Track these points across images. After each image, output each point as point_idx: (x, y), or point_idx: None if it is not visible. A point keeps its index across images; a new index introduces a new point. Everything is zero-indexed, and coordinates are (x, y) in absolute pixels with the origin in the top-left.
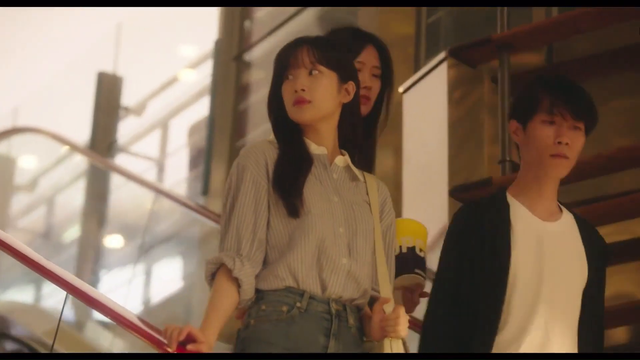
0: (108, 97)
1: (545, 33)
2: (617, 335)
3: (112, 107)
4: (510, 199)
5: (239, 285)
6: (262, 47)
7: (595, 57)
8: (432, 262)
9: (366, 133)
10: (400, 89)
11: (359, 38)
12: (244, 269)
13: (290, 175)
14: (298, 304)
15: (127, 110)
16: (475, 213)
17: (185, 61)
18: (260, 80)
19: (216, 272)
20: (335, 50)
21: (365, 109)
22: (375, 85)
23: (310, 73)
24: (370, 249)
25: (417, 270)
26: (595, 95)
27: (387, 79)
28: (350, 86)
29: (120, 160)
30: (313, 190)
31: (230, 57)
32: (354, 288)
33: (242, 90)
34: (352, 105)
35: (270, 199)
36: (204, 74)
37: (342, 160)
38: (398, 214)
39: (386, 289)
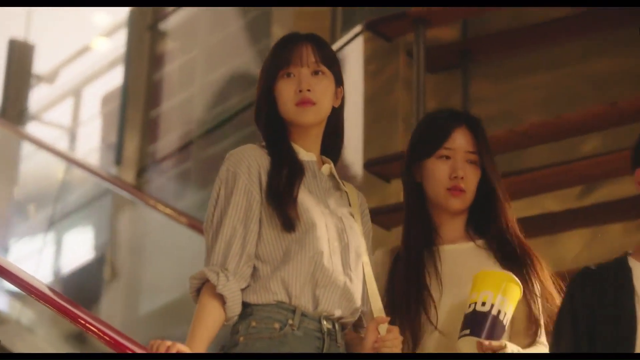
0: (19, 64)
1: (461, 8)
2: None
3: (24, 74)
4: (633, 262)
5: (224, 302)
6: (177, 17)
7: (510, 32)
8: None
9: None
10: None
11: (449, 118)
12: (228, 285)
13: (285, 187)
14: (290, 321)
15: (39, 78)
16: (592, 279)
17: (99, 29)
18: (174, 50)
19: (201, 287)
20: (332, 50)
21: (457, 204)
22: (471, 175)
23: (314, 73)
24: (361, 265)
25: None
26: (510, 70)
27: (486, 165)
28: (340, 91)
29: (32, 128)
30: (306, 201)
31: (144, 26)
32: (346, 306)
33: (156, 60)
34: (339, 111)
35: (263, 210)
36: (118, 43)
37: (327, 168)
38: None
39: (377, 306)
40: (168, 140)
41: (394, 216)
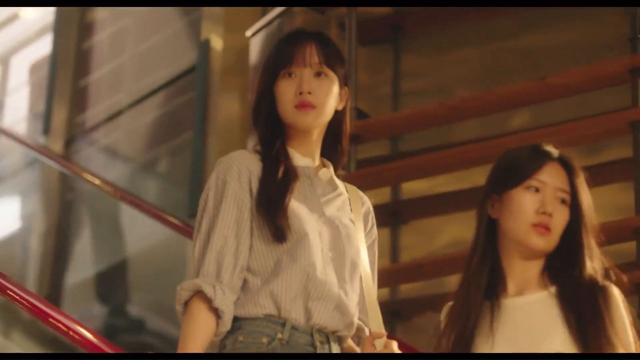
0: None
1: None
2: (455, 283)
3: None
4: None
5: (218, 316)
6: None
7: (440, 6)
8: None
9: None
10: (248, 33)
11: (541, 151)
12: (225, 299)
13: (276, 195)
14: (279, 335)
15: None
16: None
17: None
18: (105, 19)
19: (190, 299)
20: (337, 50)
21: (541, 243)
22: (560, 215)
23: (317, 74)
24: (358, 275)
25: None
26: (441, 45)
27: (576, 208)
28: (345, 92)
29: None
30: (299, 209)
31: None
32: (340, 319)
33: (86, 29)
34: (343, 114)
35: (253, 219)
36: (47, 11)
37: (326, 172)
38: None
39: (375, 320)
40: (97, 110)
41: None
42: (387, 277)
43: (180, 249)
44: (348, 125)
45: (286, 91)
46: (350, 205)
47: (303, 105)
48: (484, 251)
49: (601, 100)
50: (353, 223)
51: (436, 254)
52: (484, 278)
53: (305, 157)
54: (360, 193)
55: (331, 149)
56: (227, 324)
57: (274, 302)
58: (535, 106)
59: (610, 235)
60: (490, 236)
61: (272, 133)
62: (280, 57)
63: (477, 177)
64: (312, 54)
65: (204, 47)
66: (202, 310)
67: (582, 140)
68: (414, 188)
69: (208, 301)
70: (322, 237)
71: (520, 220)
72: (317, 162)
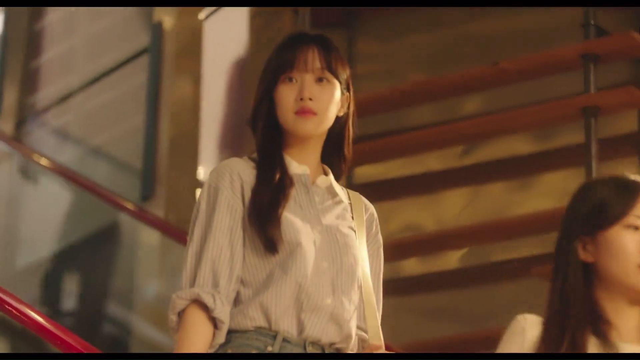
0: None
1: None
2: (408, 267)
3: None
4: None
5: (215, 327)
6: None
7: None
8: None
9: None
10: (201, 16)
11: (629, 186)
12: (224, 310)
13: (268, 204)
14: (269, 348)
15: None
16: None
17: None
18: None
19: (184, 308)
20: (340, 54)
21: None
22: None
23: (318, 80)
24: (356, 285)
25: None
26: (394, 29)
27: None
28: (346, 97)
29: None
30: (294, 219)
31: None
32: (335, 331)
33: (37, 10)
34: (345, 120)
35: (245, 229)
36: None
37: (325, 180)
38: (195, 143)
39: (374, 331)
40: (48, 91)
41: None
42: None
43: (132, 233)
44: (351, 131)
45: (286, 96)
46: (351, 212)
47: (303, 112)
48: (578, 297)
49: (553, 86)
50: (354, 231)
51: (390, 239)
52: (587, 325)
53: (302, 164)
54: (364, 199)
55: (332, 155)
56: (223, 335)
57: (264, 313)
58: (489, 91)
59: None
60: (586, 281)
61: (270, 139)
62: (281, 61)
63: (431, 161)
64: (314, 58)
65: (157, 30)
66: (200, 320)
67: (535, 126)
68: (367, 172)
69: (206, 311)
70: (317, 246)
71: (624, 262)
72: (316, 169)
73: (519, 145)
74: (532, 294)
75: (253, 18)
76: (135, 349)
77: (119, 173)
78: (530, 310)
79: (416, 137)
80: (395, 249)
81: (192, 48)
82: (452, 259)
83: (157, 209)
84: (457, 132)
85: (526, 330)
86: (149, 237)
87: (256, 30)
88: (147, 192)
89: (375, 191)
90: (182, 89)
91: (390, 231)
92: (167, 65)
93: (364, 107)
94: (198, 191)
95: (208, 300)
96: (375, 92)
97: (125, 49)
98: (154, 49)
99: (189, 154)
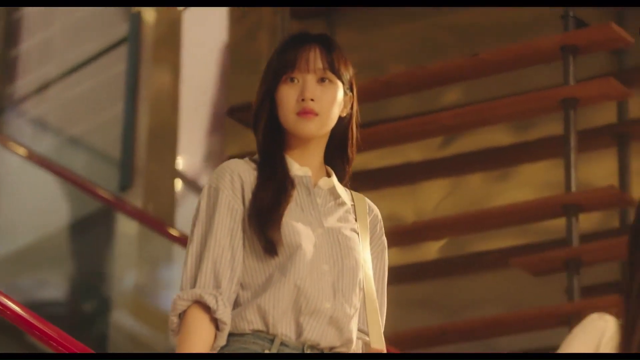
0: None
1: None
2: (388, 257)
3: None
4: None
5: (217, 328)
6: None
7: None
8: None
9: None
10: (180, 6)
11: None
12: (226, 311)
13: (269, 207)
14: (267, 351)
15: None
16: None
17: None
18: None
19: (186, 308)
20: (342, 54)
21: None
22: None
23: (320, 80)
24: (357, 288)
25: None
26: (375, 20)
27: None
28: (349, 98)
29: None
30: (294, 221)
31: None
32: (335, 335)
33: None
34: (348, 120)
35: (244, 231)
36: None
37: (327, 182)
38: (174, 133)
39: (376, 334)
40: (26, 81)
41: None
42: None
43: (110, 223)
44: (355, 132)
45: (288, 97)
46: (355, 214)
47: (305, 113)
48: None
49: (533, 77)
50: (357, 233)
51: None
52: None
53: (304, 166)
54: (368, 201)
55: (335, 156)
56: (225, 337)
57: (261, 317)
58: (468, 82)
59: (541, 211)
60: None
61: (271, 140)
62: (282, 61)
63: (411, 152)
64: (316, 58)
65: (135, 19)
66: (202, 321)
67: (514, 117)
68: None
69: (208, 312)
70: (317, 249)
71: None
72: (318, 170)
73: (498, 136)
74: (511, 285)
75: (232, 8)
76: (113, 338)
77: (97, 163)
78: (507, 300)
79: (396, 128)
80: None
81: (171, 38)
82: (431, 250)
83: (136, 199)
84: (437, 123)
85: (605, 332)
86: (127, 227)
87: (235, 20)
88: (126, 182)
89: (354, 182)
90: (160, 79)
91: None
92: (145, 54)
93: None
94: (177, 181)
95: (210, 301)
96: (357, 84)
97: (103, 39)
98: (133, 39)
99: (168, 144)
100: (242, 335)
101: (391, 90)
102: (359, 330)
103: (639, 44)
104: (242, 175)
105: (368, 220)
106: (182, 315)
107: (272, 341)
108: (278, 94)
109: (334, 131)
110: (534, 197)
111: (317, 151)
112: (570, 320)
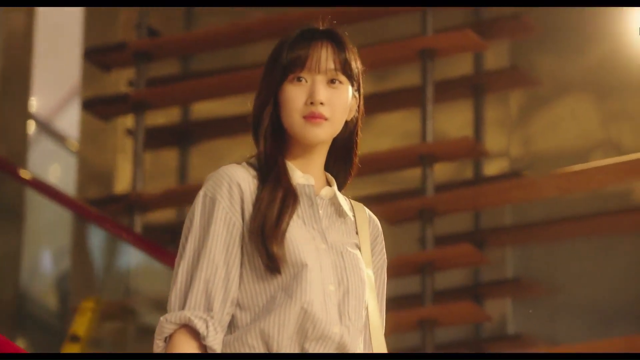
0: None
1: None
2: None
3: None
4: None
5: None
6: None
7: None
8: None
9: None
10: None
11: None
12: (217, 337)
13: (272, 220)
14: None
15: None
16: None
17: None
18: None
19: (173, 332)
20: (354, 52)
21: None
22: None
23: (330, 82)
24: (363, 309)
25: None
26: None
27: None
28: (355, 100)
29: None
30: (297, 236)
31: None
32: None
33: None
34: (354, 125)
35: (244, 246)
36: None
37: (329, 191)
38: (27, 74)
39: (379, 349)
40: None
41: (113, 106)
42: (175, 197)
43: None
44: (359, 138)
45: (295, 98)
46: (356, 226)
47: (314, 117)
48: None
49: (392, 27)
50: (359, 249)
51: None
52: None
53: (306, 173)
54: (368, 212)
55: (338, 163)
56: None
57: (264, 342)
58: None
59: (397, 161)
60: None
61: (274, 145)
62: (290, 59)
63: None
64: (327, 58)
65: None
66: (189, 347)
67: (373, 67)
68: (203, 109)
69: (196, 338)
70: (322, 268)
71: None
72: (319, 178)
73: None
74: None
75: None
76: None
77: None
78: None
79: (255, 75)
80: None
81: None
82: None
83: None
84: None
85: None
86: None
87: None
88: None
89: (212, 128)
90: (14, 20)
91: None
92: None
93: (202, 43)
94: (30, 123)
95: (200, 326)
96: (214, 28)
97: None
98: None
99: (21, 85)
100: None
101: (251, 36)
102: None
103: None
104: (241, 184)
105: (369, 232)
106: (168, 340)
107: None
108: (283, 94)
109: (337, 136)
110: (391, 146)
111: (320, 158)
112: (424, 269)
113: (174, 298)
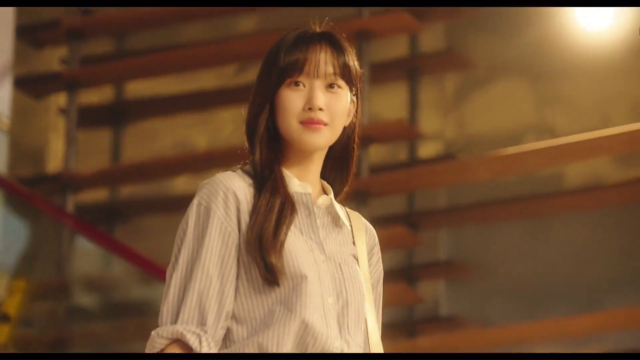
0: None
1: None
2: (178, 185)
3: None
4: None
5: None
6: None
7: None
8: None
9: None
10: None
11: None
12: (210, 353)
13: (270, 230)
14: None
15: None
16: None
17: None
18: None
19: (164, 347)
20: (353, 55)
21: None
22: None
23: (329, 86)
24: (362, 323)
25: None
26: None
27: None
28: (353, 105)
29: None
30: (296, 247)
31: None
32: None
33: None
34: (352, 130)
35: (240, 257)
36: None
37: (326, 199)
38: None
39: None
40: None
41: (46, 85)
42: (108, 177)
43: None
44: (357, 143)
45: (292, 103)
46: (352, 236)
47: (313, 123)
48: None
49: (327, 9)
50: (356, 259)
51: (159, 156)
52: None
53: (302, 181)
54: (364, 221)
55: (335, 171)
56: None
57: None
58: (263, 11)
59: None
60: None
61: (270, 153)
62: (287, 63)
63: (203, 79)
64: (326, 62)
65: None
66: None
67: None
68: (138, 88)
69: (189, 352)
70: (321, 280)
71: None
72: (315, 186)
73: None
74: None
75: None
76: None
77: None
78: None
79: (189, 54)
80: (164, 167)
81: None
82: None
83: None
84: (231, 50)
85: None
86: None
87: None
88: None
89: (145, 107)
90: None
91: (160, 148)
92: None
93: (136, 21)
94: None
95: (193, 341)
96: (147, 8)
97: None
98: None
99: None
100: None
101: (185, 15)
102: None
103: None
104: (237, 193)
105: (365, 243)
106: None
107: None
108: (280, 98)
109: (334, 142)
110: None
111: (317, 165)
112: None
113: (166, 311)
